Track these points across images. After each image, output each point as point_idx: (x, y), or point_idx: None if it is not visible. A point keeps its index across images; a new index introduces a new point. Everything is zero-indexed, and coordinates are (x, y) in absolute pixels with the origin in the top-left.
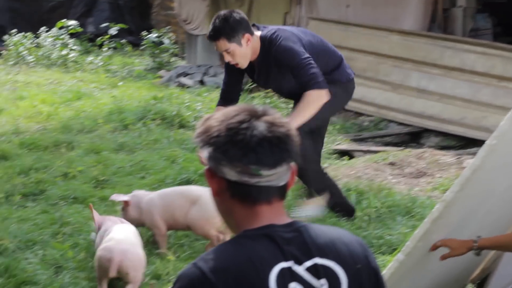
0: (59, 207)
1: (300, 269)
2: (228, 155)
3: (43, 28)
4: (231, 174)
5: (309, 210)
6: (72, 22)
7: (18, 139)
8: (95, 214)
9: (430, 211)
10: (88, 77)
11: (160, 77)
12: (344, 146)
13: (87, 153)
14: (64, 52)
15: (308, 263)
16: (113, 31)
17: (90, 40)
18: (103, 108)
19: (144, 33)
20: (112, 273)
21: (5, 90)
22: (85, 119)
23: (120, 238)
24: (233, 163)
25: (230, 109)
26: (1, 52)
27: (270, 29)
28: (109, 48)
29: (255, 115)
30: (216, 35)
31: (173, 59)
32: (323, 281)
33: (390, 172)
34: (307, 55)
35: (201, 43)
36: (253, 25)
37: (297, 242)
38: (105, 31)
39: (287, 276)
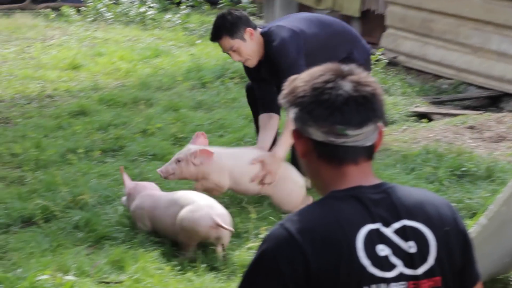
0: (138, 163)
1: (388, 231)
2: (314, 115)
3: None
4: (317, 134)
5: None
6: None
7: (97, 95)
8: (126, 179)
9: (511, 176)
10: (166, 35)
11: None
12: (423, 108)
13: (166, 110)
14: (142, 9)
15: (396, 225)
16: None
17: None
18: (181, 66)
19: None
20: (212, 238)
21: (83, 46)
22: (163, 77)
23: (209, 203)
24: (318, 123)
25: (316, 69)
26: (79, 8)
27: (275, 25)
28: (187, 6)
29: (340, 75)
30: (217, 33)
31: (250, 18)
32: (411, 243)
33: (470, 136)
34: (299, 63)
35: (280, 2)
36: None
37: (385, 204)
38: None
39: (374, 237)
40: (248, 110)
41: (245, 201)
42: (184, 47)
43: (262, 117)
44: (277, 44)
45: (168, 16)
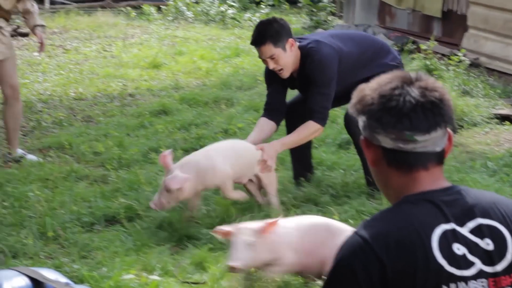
0: None
1: (463, 230)
2: (382, 122)
3: None
4: (386, 141)
5: None
6: None
7: (178, 94)
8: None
9: None
10: (246, 34)
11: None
12: (505, 111)
13: (247, 110)
14: (222, 8)
15: (471, 224)
16: None
17: None
18: (261, 66)
19: None
20: None
21: (164, 45)
22: (244, 76)
23: None
24: (387, 130)
25: (383, 77)
26: (160, 7)
27: (310, 40)
28: (267, 5)
29: (408, 81)
30: (261, 39)
31: (330, 18)
32: (488, 240)
33: None
34: (332, 84)
35: (360, 2)
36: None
37: (459, 204)
38: None
39: (450, 237)
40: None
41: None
42: None
43: (262, 120)
44: (317, 60)
45: (248, 15)
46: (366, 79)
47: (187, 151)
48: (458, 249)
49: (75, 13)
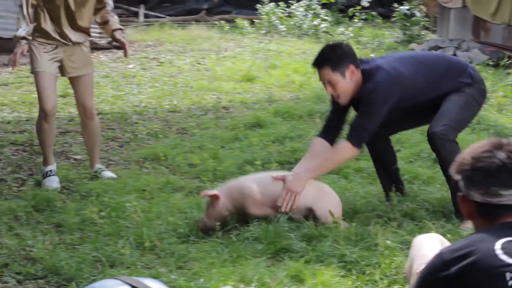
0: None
1: None
2: (473, 180)
3: None
4: (476, 196)
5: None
6: None
7: (272, 107)
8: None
9: None
10: None
11: (411, 50)
12: None
13: None
14: (315, 22)
15: None
16: (365, 2)
17: (341, 10)
18: None
19: (395, 5)
20: None
21: (257, 58)
22: None
23: None
24: (477, 186)
25: (479, 143)
26: (254, 20)
27: (375, 64)
28: (360, 19)
29: (498, 146)
30: (321, 62)
31: (423, 32)
32: None
33: None
34: (380, 109)
35: (454, 17)
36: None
37: None
38: (356, 2)
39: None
40: (425, 126)
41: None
42: None
43: (316, 142)
44: (369, 88)
45: (341, 29)
46: (439, 98)
47: (281, 164)
48: None
49: (169, 26)
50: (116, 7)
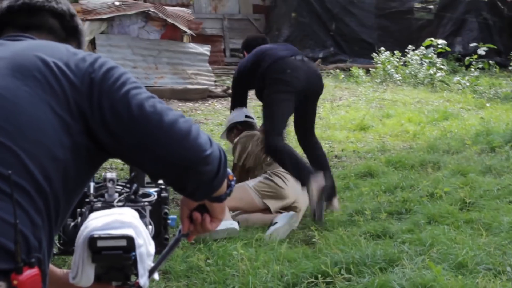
0: (424, 227)
1: None
2: None
3: (410, 47)
4: None
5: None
6: (440, 41)
7: (384, 156)
8: None
9: None
10: (455, 97)
11: None
12: None
13: (453, 174)
14: (431, 71)
15: None
16: (481, 51)
17: (457, 59)
18: (470, 129)
19: None
20: None
21: (372, 107)
22: (451, 140)
23: None
24: None
25: None
26: (369, 69)
27: None
28: (476, 68)
29: None
30: None
31: None
32: None
33: None
34: None
35: None
36: None
37: None
38: (473, 51)
39: None
40: None
41: None
42: (473, 110)
43: None
44: None
45: (457, 78)
46: None
47: (391, 214)
48: None
49: None
50: (232, 56)
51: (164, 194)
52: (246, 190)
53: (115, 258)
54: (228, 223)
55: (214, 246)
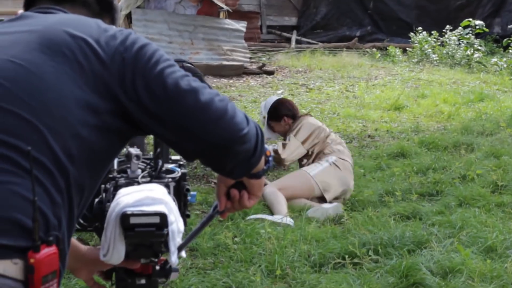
0: (455, 209)
1: None
2: None
3: (448, 27)
4: None
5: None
6: (478, 22)
7: (417, 137)
8: None
9: None
10: (491, 79)
11: None
12: None
13: (487, 156)
14: (468, 52)
15: None
16: None
17: (495, 41)
18: (505, 111)
19: None
20: None
21: (407, 87)
22: (486, 122)
23: None
24: None
25: None
26: (406, 49)
27: None
28: None
29: None
30: None
31: None
32: None
33: None
34: None
35: None
36: None
37: None
38: (511, 33)
39: None
40: None
41: None
42: (509, 92)
43: None
44: None
45: (494, 59)
46: None
47: (422, 196)
48: None
49: (320, 52)
50: (269, 33)
51: (183, 170)
52: (309, 181)
53: (148, 235)
54: (284, 219)
55: (242, 224)
